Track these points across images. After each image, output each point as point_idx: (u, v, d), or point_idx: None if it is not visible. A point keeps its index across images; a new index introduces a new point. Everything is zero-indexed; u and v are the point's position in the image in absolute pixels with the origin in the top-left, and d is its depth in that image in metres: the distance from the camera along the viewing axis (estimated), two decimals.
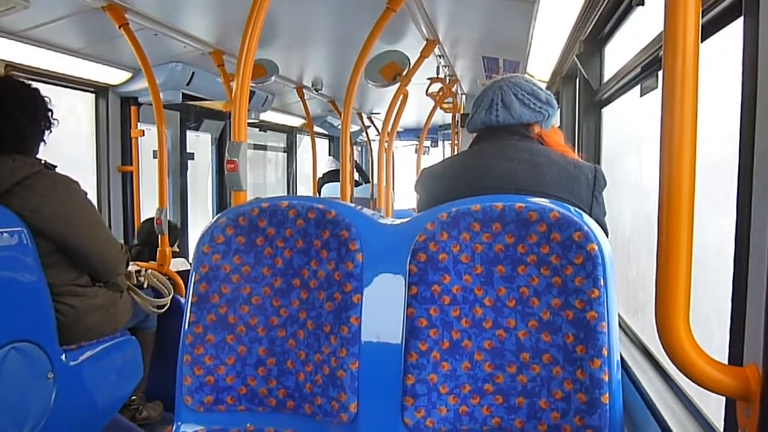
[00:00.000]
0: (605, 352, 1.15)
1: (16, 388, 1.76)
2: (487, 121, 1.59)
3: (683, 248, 0.77)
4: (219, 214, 1.36)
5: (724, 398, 0.90)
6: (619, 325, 1.30)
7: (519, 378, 1.21)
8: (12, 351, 1.73)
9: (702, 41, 0.77)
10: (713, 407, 1.11)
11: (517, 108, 1.57)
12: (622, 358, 1.31)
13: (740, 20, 0.91)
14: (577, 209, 1.23)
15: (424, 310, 1.23)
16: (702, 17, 0.76)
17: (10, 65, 2.74)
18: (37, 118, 2.03)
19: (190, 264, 3.28)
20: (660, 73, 1.59)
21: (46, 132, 2.06)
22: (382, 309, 1.25)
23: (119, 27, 2.52)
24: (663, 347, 0.81)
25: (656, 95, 1.73)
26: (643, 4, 1.61)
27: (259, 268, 1.33)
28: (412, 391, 1.21)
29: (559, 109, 2.02)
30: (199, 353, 1.32)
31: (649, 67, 1.64)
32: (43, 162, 2.02)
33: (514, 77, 1.65)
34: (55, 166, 2.04)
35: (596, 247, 1.16)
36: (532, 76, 3.53)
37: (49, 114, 2.05)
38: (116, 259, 2.16)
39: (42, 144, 2.05)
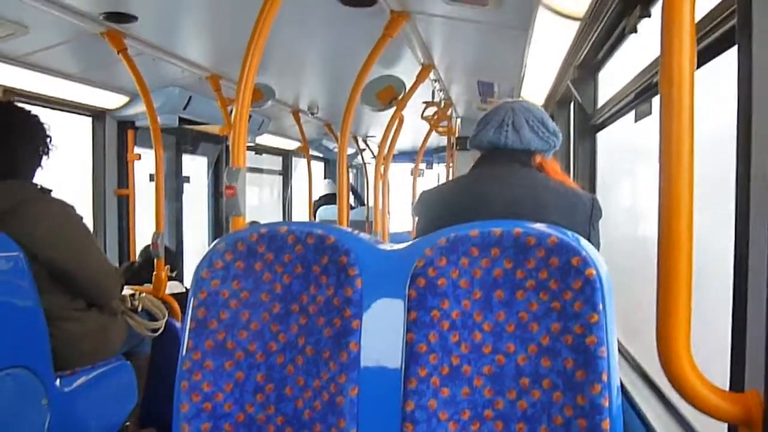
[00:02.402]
0: (605, 377, 1.15)
1: (10, 415, 1.74)
2: (495, 141, 1.60)
3: (683, 274, 0.77)
4: (217, 240, 1.36)
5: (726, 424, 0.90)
6: (618, 351, 1.30)
7: (519, 403, 1.20)
8: (6, 377, 1.71)
9: (698, 68, 0.78)
10: None
11: (526, 133, 1.58)
12: (621, 383, 1.31)
13: (734, 48, 0.93)
14: (574, 234, 1.23)
15: (423, 336, 1.22)
16: (697, 45, 0.78)
17: (8, 90, 2.75)
18: (33, 142, 2.03)
19: (186, 288, 3.28)
20: (654, 99, 1.62)
21: (44, 157, 2.06)
22: (382, 334, 1.24)
23: (118, 53, 2.54)
24: (664, 373, 0.81)
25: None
26: (636, 32, 1.64)
27: (258, 293, 1.33)
28: (411, 417, 1.20)
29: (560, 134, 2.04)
30: (196, 379, 1.31)
31: (643, 93, 1.67)
32: (39, 186, 2.02)
33: (525, 102, 1.67)
34: (50, 191, 2.04)
35: (594, 272, 1.16)
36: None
37: (48, 140, 2.06)
38: (111, 283, 2.15)
39: (39, 169, 2.05)
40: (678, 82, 0.76)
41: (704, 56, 1.12)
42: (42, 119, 2.07)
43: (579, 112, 2.54)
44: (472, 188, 1.60)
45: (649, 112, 1.64)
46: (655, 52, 1.55)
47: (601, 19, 1.87)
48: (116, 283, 2.19)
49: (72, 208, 2.04)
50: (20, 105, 2.10)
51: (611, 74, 2.26)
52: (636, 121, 1.75)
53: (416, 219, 1.72)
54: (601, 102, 2.33)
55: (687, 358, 0.78)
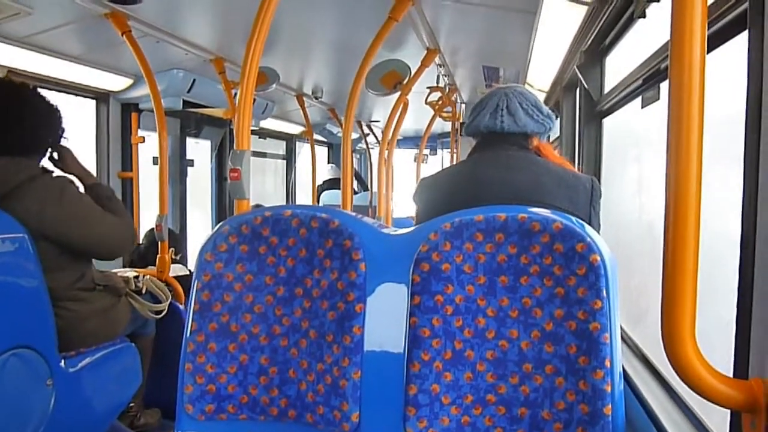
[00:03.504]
0: (608, 363, 1.15)
1: (15, 395, 1.75)
2: (491, 126, 1.60)
3: (689, 260, 0.77)
4: (222, 222, 1.36)
5: (728, 411, 0.90)
6: (621, 337, 1.30)
7: (521, 388, 1.20)
8: (12, 358, 1.72)
9: (708, 53, 0.77)
10: (716, 419, 1.11)
11: (521, 117, 1.59)
12: (624, 369, 1.31)
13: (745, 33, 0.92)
14: (579, 220, 1.23)
15: (426, 320, 1.22)
16: (708, 29, 0.77)
17: (12, 71, 2.74)
18: (49, 127, 2.04)
19: (189, 270, 3.29)
20: (662, 84, 1.60)
21: (50, 136, 2.06)
22: (385, 318, 1.25)
23: (122, 34, 2.53)
24: (668, 360, 0.81)
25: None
26: (644, 17, 1.62)
27: (262, 276, 1.33)
28: (414, 401, 1.21)
29: (559, 119, 2.03)
30: (200, 361, 1.31)
31: (651, 79, 1.65)
32: (41, 166, 2.02)
33: (518, 87, 1.66)
34: (53, 171, 2.05)
35: (599, 258, 1.16)
36: (532, 86, 3.55)
37: (61, 131, 2.07)
38: (122, 238, 2.14)
39: (47, 150, 2.06)
40: (688, 67, 0.75)
41: (715, 41, 1.10)
42: (58, 107, 2.08)
43: (585, 98, 2.53)
44: (472, 173, 1.60)
45: (657, 98, 1.62)
46: (661, 37, 1.54)
47: (609, 3, 1.85)
48: (128, 236, 2.17)
49: (74, 185, 2.04)
50: (24, 82, 2.09)
51: (618, 60, 2.24)
52: (643, 107, 1.73)
53: (417, 207, 1.72)
54: (607, 88, 2.31)
55: (691, 344, 0.78)
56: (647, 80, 1.69)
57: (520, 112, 1.59)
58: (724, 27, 1.09)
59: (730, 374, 0.90)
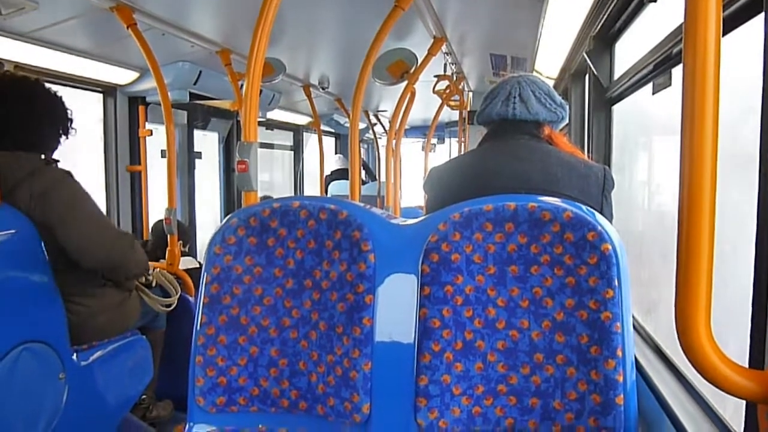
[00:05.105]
0: (620, 353, 1.14)
1: (28, 389, 1.76)
2: (503, 113, 1.59)
3: (704, 248, 0.75)
4: (230, 215, 1.35)
5: (744, 401, 0.89)
6: (633, 327, 1.29)
7: (533, 379, 1.20)
8: (24, 351, 1.73)
9: (723, 36, 0.75)
10: (731, 409, 1.10)
11: (534, 104, 1.58)
12: (636, 359, 1.30)
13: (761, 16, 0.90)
14: (589, 209, 1.21)
15: (437, 311, 1.22)
16: (723, 11, 0.75)
17: (18, 66, 2.74)
18: (56, 122, 2.03)
19: (199, 263, 3.30)
20: (673, 70, 1.57)
21: (63, 137, 2.05)
22: (395, 309, 1.24)
23: (127, 27, 2.52)
24: (682, 350, 0.79)
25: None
26: (655, 1, 1.60)
27: (271, 268, 1.33)
28: (425, 392, 1.21)
29: (567, 107, 2.01)
30: (211, 354, 1.32)
31: (662, 64, 1.63)
32: (43, 158, 2.00)
33: (531, 75, 1.65)
34: (57, 161, 2.03)
35: (610, 247, 1.15)
36: (540, 73, 3.51)
37: (69, 122, 2.05)
38: (125, 255, 2.08)
39: (58, 146, 2.05)
40: (703, 51, 0.73)
41: (729, 24, 1.08)
42: (65, 101, 2.06)
43: (594, 85, 2.50)
44: (483, 162, 1.59)
45: (669, 84, 1.60)
46: (672, 22, 1.51)
47: None
48: (129, 253, 2.10)
49: (77, 182, 2.02)
50: (25, 76, 2.08)
51: (628, 45, 2.21)
52: (654, 93, 1.71)
53: (427, 196, 1.71)
54: (617, 74, 2.28)
55: (706, 334, 0.77)
56: (658, 66, 1.66)
57: (532, 100, 1.58)
58: (740, 9, 1.06)
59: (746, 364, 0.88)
